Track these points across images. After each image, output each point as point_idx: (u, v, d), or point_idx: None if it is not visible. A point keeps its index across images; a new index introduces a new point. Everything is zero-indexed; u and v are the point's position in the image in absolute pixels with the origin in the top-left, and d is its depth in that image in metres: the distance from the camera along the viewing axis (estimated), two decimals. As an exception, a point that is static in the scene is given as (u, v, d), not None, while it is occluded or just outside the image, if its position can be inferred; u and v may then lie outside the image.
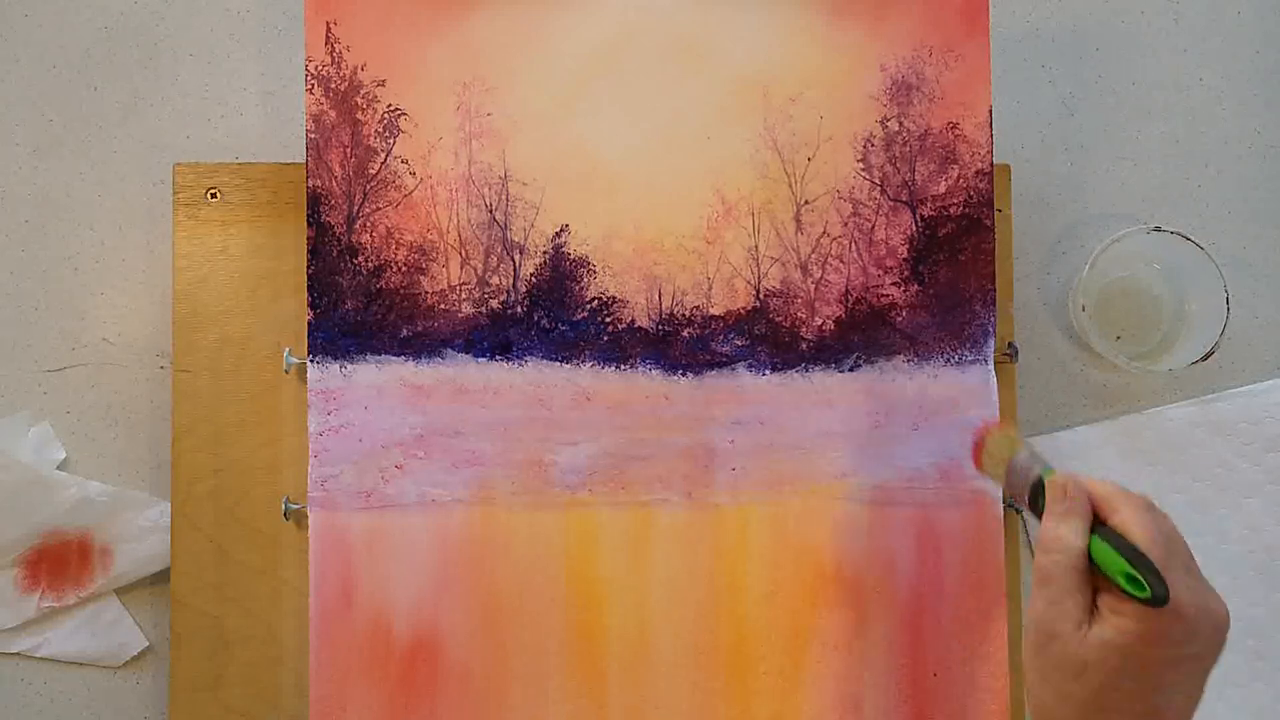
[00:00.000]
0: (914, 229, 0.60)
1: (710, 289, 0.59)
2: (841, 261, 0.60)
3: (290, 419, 0.60)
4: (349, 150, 0.58)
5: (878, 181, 0.60)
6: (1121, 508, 0.44)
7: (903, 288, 0.60)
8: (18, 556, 0.62)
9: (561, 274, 0.59)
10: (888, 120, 0.60)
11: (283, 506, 0.59)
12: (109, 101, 0.66)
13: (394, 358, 0.58)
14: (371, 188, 0.59)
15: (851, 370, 0.60)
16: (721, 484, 0.59)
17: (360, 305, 0.58)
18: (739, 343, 0.59)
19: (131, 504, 0.62)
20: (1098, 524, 0.45)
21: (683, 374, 0.59)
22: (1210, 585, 0.43)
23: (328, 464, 0.58)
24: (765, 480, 0.59)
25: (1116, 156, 0.68)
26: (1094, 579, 0.44)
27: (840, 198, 0.60)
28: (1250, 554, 0.64)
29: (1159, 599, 0.41)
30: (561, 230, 0.59)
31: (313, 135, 0.58)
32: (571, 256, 0.59)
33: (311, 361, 0.58)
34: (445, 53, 0.59)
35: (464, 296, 0.59)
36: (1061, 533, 0.44)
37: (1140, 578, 0.42)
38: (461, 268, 0.59)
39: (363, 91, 0.58)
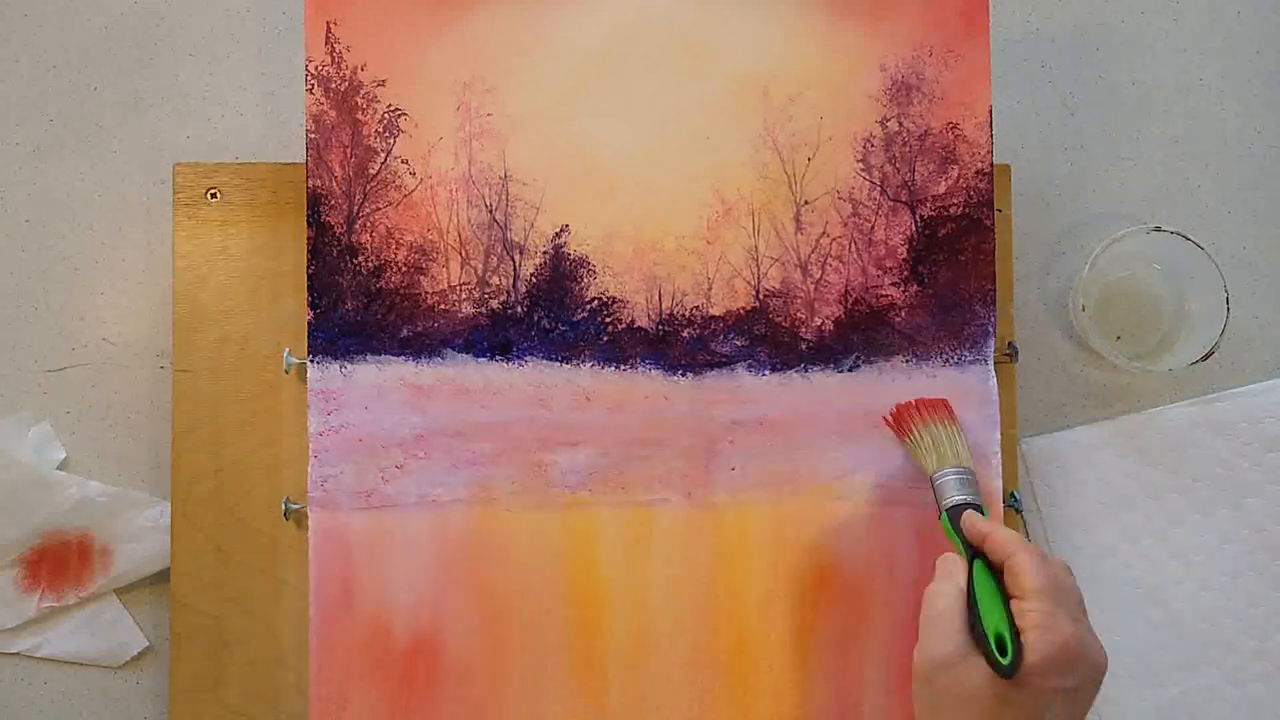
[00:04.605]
0: (914, 229, 0.60)
1: (710, 289, 0.59)
2: (841, 262, 0.60)
3: (290, 419, 0.60)
4: (349, 150, 0.58)
5: (877, 182, 0.60)
6: (1016, 552, 0.49)
7: (902, 288, 0.60)
8: (18, 556, 0.62)
9: (561, 274, 0.59)
10: (887, 120, 0.60)
11: (283, 506, 0.59)
12: (109, 101, 0.66)
13: (394, 358, 0.58)
14: (371, 188, 0.59)
15: (851, 370, 0.60)
16: (721, 484, 0.59)
17: (360, 305, 0.58)
18: (739, 343, 0.59)
19: (131, 504, 0.62)
20: (992, 572, 0.50)
21: (682, 374, 0.59)
22: (1095, 634, 0.48)
23: (328, 464, 0.58)
24: (765, 480, 0.59)
25: (1116, 156, 0.68)
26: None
27: (840, 198, 0.60)
28: (1250, 554, 0.64)
29: (1006, 671, 0.46)
30: (561, 230, 0.59)
31: (313, 135, 0.58)
32: (571, 256, 0.59)
33: (311, 361, 0.58)
34: (445, 53, 0.59)
35: (464, 296, 0.59)
36: (944, 587, 0.50)
37: (1008, 642, 0.46)
38: (461, 268, 0.59)
39: (363, 91, 0.58)
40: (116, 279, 0.65)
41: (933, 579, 0.51)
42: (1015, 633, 0.47)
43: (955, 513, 0.54)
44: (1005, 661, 0.46)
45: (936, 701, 0.48)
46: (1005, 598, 0.49)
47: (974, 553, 0.52)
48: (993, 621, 0.48)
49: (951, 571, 0.51)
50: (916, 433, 0.58)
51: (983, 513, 0.54)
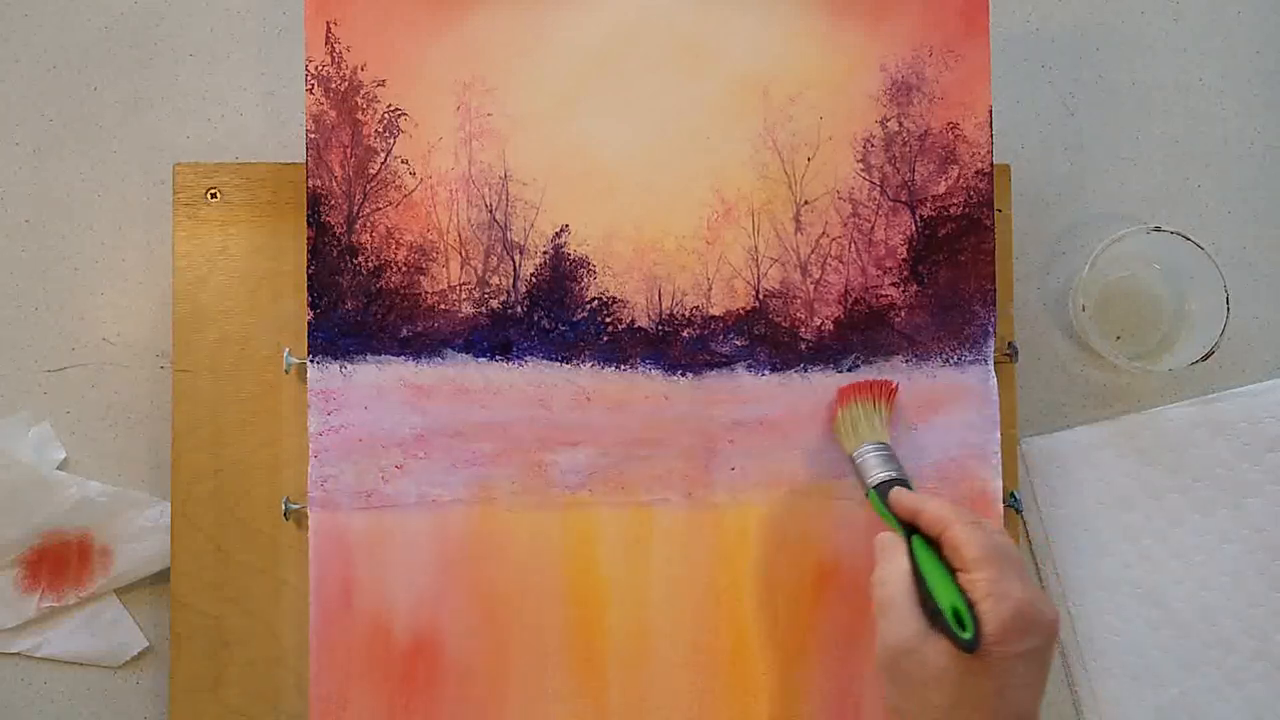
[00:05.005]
0: (913, 229, 0.60)
1: (710, 289, 0.59)
2: (841, 262, 0.60)
3: (290, 419, 0.60)
4: (349, 150, 0.58)
5: (877, 182, 0.60)
6: (952, 525, 0.49)
7: (902, 288, 0.60)
8: (18, 556, 0.62)
9: (561, 274, 0.59)
10: (887, 120, 0.60)
11: (283, 506, 0.59)
12: (109, 101, 0.66)
13: (394, 358, 0.58)
14: (371, 188, 0.59)
15: (850, 370, 0.60)
16: (721, 484, 0.59)
17: (360, 305, 0.58)
18: (738, 343, 0.59)
19: (131, 504, 0.62)
20: (930, 545, 0.50)
21: (682, 374, 0.59)
22: (1041, 591, 0.49)
23: (328, 464, 0.58)
24: (765, 480, 0.59)
25: (1116, 156, 0.68)
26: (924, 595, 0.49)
27: (840, 198, 0.60)
28: (1250, 554, 0.64)
29: (969, 645, 0.46)
30: (561, 230, 0.59)
31: (313, 135, 0.58)
32: (571, 256, 0.59)
33: (311, 361, 0.58)
34: (445, 53, 0.59)
35: (464, 296, 0.59)
36: (889, 570, 0.50)
37: (964, 615, 0.46)
38: (461, 268, 0.59)
39: (363, 91, 0.58)
40: (116, 279, 0.65)
41: (876, 563, 0.51)
42: (969, 604, 0.47)
43: (883, 490, 0.54)
44: (967, 636, 0.46)
45: (903, 686, 0.48)
46: (950, 570, 0.49)
47: (909, 529, 0.52)
48: (946, 598, 0.47)
49: (892, 553, 0.51)
50: (839, 416, 0.58)
51: (909, 487, 0.54)
